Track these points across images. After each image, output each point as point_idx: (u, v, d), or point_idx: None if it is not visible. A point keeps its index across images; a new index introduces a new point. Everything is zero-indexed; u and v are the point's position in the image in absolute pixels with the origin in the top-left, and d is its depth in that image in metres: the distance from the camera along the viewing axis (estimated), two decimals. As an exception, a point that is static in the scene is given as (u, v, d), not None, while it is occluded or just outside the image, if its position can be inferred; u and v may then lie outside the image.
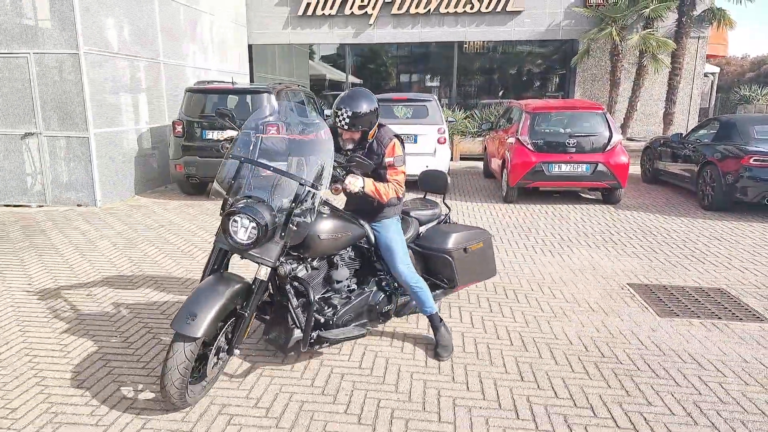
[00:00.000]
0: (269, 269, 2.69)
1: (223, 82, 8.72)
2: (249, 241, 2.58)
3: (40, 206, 7.44)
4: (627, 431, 2.50)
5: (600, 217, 6.91)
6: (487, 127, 9.77)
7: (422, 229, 3.63)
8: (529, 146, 7.45)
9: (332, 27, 13.50)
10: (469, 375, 3.01)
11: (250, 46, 13.63)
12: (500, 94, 14.34)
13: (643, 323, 3.69)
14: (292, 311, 2.85)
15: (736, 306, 4.00)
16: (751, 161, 6.64)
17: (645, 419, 2.59)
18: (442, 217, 3.82)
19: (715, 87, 18.79)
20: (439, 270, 3.53)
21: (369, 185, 2.93)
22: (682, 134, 8.68)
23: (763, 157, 6.60)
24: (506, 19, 13.00)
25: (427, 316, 3.31)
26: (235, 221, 2.58)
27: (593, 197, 8.20)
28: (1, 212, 7.11)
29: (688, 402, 2.74)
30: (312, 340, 2.92)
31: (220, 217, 2.67)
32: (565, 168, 7.36)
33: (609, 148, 7.35)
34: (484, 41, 13.58)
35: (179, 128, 7.73)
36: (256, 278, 2.70)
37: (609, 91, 12.58)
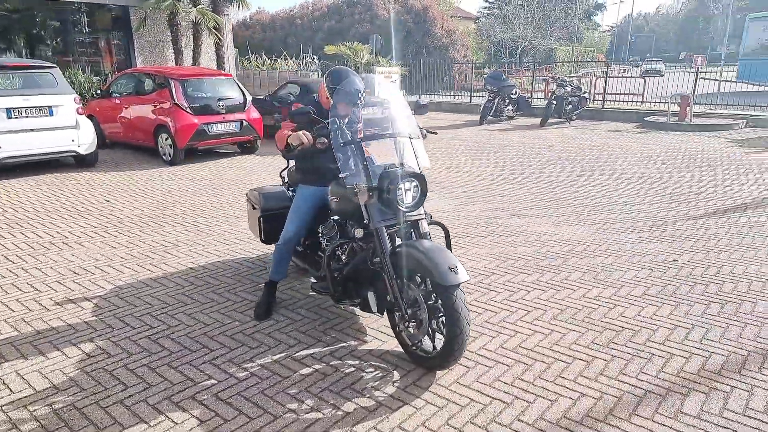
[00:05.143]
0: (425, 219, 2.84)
1: None
2: (415, 201, 2.70)
3: None
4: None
5: (258, 165, 8.72)
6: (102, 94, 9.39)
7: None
8: (188, 110, 8.23)
9: None
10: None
11: None
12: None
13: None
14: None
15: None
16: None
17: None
18: None
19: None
20: None
21: None
22: (269, 93, 11.27)
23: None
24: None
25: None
26: (399, 189, 2.63)
27: (232, 151, 9.76)
28: None
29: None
30: None
31: (363, 202, 2.73)
32: (222, 127, 8.63)
33: (246, 107, 9.06)
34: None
35: None
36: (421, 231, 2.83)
37: (175, 58, 13.70)
